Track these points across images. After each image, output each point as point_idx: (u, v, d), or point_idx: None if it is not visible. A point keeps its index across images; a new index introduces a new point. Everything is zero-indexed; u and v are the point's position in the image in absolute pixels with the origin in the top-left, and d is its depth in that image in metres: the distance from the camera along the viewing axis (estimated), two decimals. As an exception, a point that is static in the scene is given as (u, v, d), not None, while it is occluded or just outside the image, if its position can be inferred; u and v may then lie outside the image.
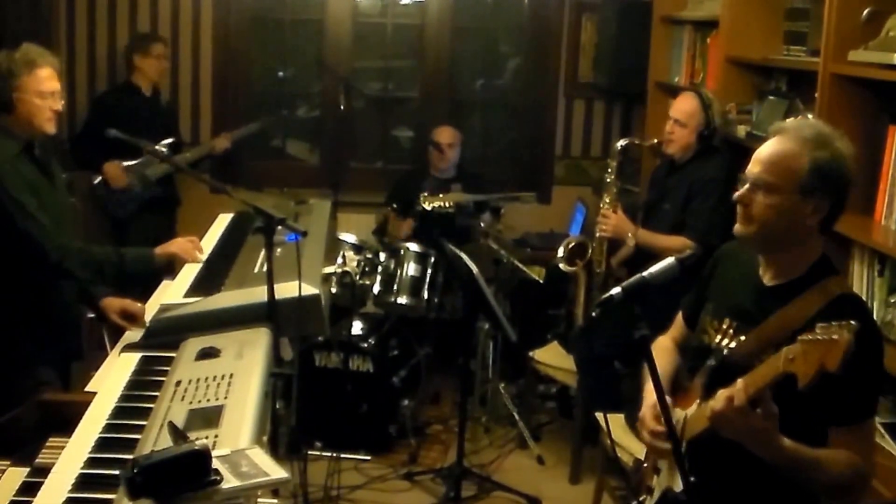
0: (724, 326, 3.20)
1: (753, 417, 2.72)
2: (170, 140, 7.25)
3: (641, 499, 3.48)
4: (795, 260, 3.08)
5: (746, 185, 3.07)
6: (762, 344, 2.97)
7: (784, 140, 3.03)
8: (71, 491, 2.66)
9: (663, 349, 3.59)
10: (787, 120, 3.26)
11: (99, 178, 7.16)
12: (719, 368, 3.12)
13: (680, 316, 3.63)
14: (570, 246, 6.10)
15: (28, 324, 4.41)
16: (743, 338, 3.10)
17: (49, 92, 4.39)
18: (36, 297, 4.42)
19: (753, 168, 3.06)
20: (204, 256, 4.68)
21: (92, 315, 4.65)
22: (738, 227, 3.12)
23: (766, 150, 3.06)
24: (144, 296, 4.56)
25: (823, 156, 2.97)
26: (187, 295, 4.25)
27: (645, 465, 3.50)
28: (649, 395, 3.37)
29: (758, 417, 2.71)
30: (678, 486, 3.13)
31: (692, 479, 3.04)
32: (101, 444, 2.94)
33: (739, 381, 2.77)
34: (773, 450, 2.80)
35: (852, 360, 2.51)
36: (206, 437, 2.72)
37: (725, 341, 3.17)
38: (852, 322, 2.51)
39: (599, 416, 5.18)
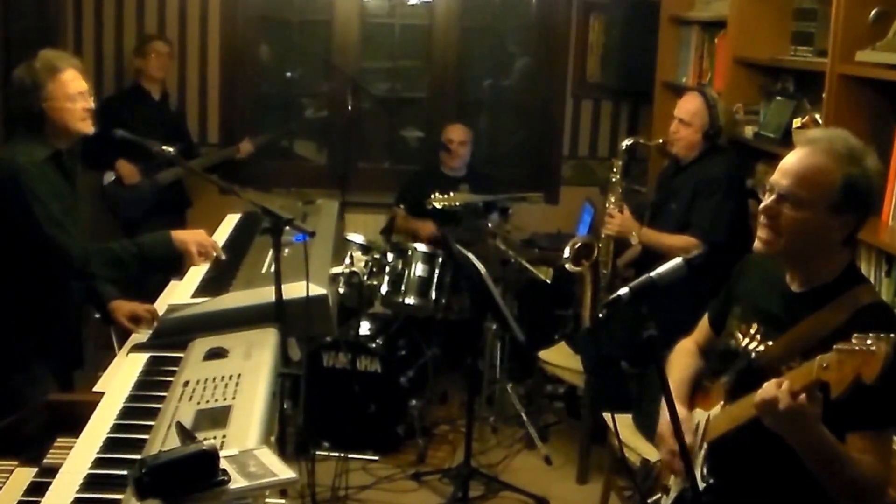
0: (752, 331, 3.19)
1: (800, 403, 2.66)
2: (180, 145, 7.24)
3: (657, 497, 3.48)
4: (821, 268, 3.05)
5: (773, 197, 3.02)
6: (790, 350, 2.95)
7: (815, 154, 2.98)
8: (79, 491, 2.66)
9: (685, 351, 3.58)
10: (816, 130, 3.20)
11: (112, 177, 7.18)
12: (745, 372, 3.10)
13: (705, 320, 3.60)
14: (576, 246, 6.10)
15: (27, 325, 4.41)
16: (771, 343, 3.09)
17: (77, 93, 4.35)
18: (39, 299, 4.42)
19: (782, 180, 3.00)
20: (214, 256, 4.67)
21: (98, 316, 4.64)
22: (758, 244, 3.08)
23: (796, 163, 3.00)
24: (153, 296, 4.57)
25: (855, 173, 2.94)
26: (195, 295, 4.25)
27: (659, 463, 3.49)
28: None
29: (803, 403, 2.67)
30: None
31: (711, 481, 3.03)
32: (109, 445, 2.95)
33: (772, 382, 2.74)
34: (812, 436, 2.74)
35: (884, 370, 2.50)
36: (214, 438, 2.72)
37: (753, 345, 3.15)
38: (892, 335, 2.47)
39: (607, 416, 5.18)
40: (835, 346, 2.56)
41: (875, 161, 3.02)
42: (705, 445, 3.18)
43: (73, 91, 4.33)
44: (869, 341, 2.49)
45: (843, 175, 2.93)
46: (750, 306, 3.29)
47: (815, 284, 3.07)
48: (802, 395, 2.64)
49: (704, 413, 3.25)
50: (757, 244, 3.10)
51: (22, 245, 4.26)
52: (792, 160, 3.03)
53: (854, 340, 2.52)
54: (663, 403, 3.41)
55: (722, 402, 3.18)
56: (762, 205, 3.06)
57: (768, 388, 2.71)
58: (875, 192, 3.03)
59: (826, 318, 2.96)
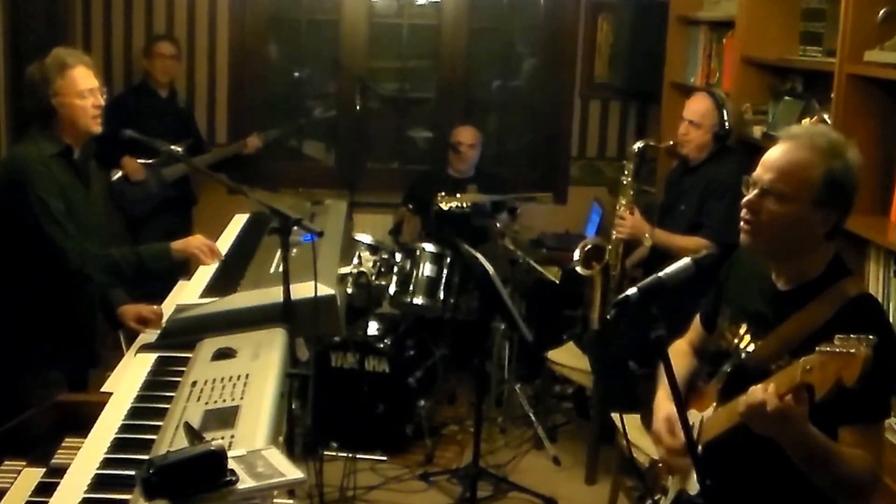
0: (742, 332, 3.19)
1: (787, 404, 2.65)
2: (189, 141, 7.26)
3: (656, 498, 3.48)
4: (806, 264, 3.06)
5: (755, 191, 3.04)
6: (778, 349, 2.96)
7: (797, 148, 3.00)
8: (87, 491, 2.66)
9: (679, 352, 3.57)
10: (797, 125, 3.23)
11: (118, 175, 7.18)
12: (735, 373, 3.11)
13: (697, 320, 3.60)
14: (586, 249, 6.08)
15: (42, 325, 4.43)
16: (760, 342, 3.09)
17: (87, 90, 4.37)
18: (55, 299, 4.43)
19: (764, 175, 3.02)
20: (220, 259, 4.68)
21: (107, 320, 4.64)
22: (743, 238, 3.09)
23: (778, 158, 3.02)
24: (161, 296, 4.57)
25: (837, 167, 2.95)
26: (203, 295, 4.26)
27: (660, 465, 3.49)
28: (661, 405, 3.37)
29: (790, 404, 2.66)
30: (692, 488, 3.13)
31: (707, 482, 3.03)
32: (117, 445, 2.95)
33: (758, 386, 2.74)
34: (800, 435, 2.73)
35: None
36: (222, 438, 2.73)
37: (743, 345, 3.16)
38: (871, 336, 2.48)
39: (615, 416, 5.18)
40: (817, 348, 2.57)
41: (856, 155, 3.02)
42: (700, 448, 3.18)
43: (82, 87, 4.36)
44: (850, 343, 2.50)
45: (826, 169, 2.95)
46: (738, 307, 3.29)
47: (800, 281, 3.07)
48: (789, 396, 2.64)
49: (698, 414, 3.25)
50: (742, 237, 3.11)
51: (31, 243, 4.28)
52: (774, 155, 3.05)
53: (836, 341, 2.53)
54: (657, 402, 3.43)
55: (714, 404, 3.18)
56: (745, 199, 3.07)
57: (754, 393, 2.71)
58: (856, 185, 3.03)
59: (812, 314, 2.97)
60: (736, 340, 3.20)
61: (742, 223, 3.08)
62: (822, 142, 2.99)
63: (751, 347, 3.12)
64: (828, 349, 2.53)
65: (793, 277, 3.09)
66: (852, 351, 2.48)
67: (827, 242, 3.07)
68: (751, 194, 3.05)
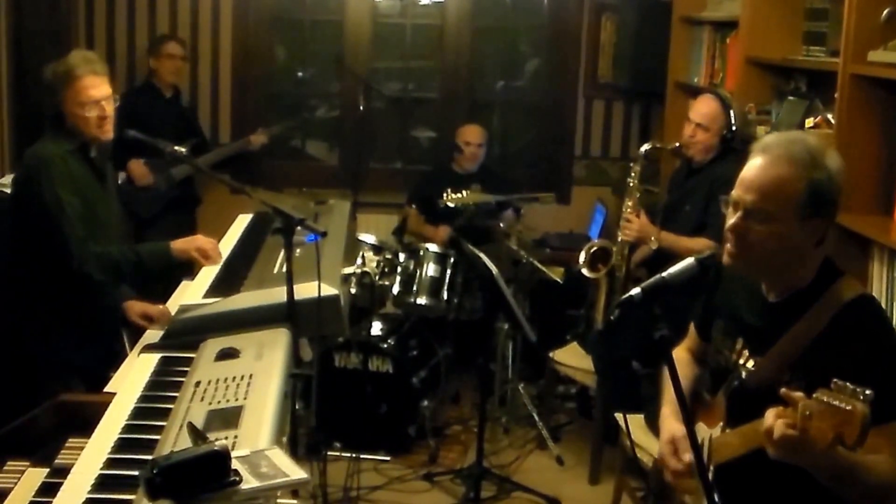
0: (738, 347, 3.15)
1: (793, 435, 2.53)
2: (193, 141, 7.26)
3: None
4: (796, 274, 3.00)
5: (739, 213, 2.95)
6: (779, 365, 2.90)
7: (776, 163, 2.91)
8: (90, 492, 2.67)
9: (681, 362, 3.47)
10: (770, 135, 3.15)
11: (124, 177, 7.19)
12: (740, 393, 3.07)
13: (692, 327, 3.57)
14: (592, 251, 6.07)
15: (62, 321, 4.46)
16: (758, 358, 3.05)
17: (91, 101, 4.42)
18: (74, 295, 4.46)
19: (745, 195, 2.93)
20: (222, 259, 4.69)
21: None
22: (727, 259, 3.01)
23: (757, 176, 2.93)
24: (165, 296, 4.58)
25: (819, 178, 2.88)
26: (207, 295, 4.26)
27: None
28: (666, 424, 3.33)
29: (796, 435, 2.58)
30: None
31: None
32: (121, 445, 2.96)
33: (772, 411, 2.63)
34: (821, 460, 2.60)
35: (876, 362, 2.47)
36: (226, 438, 2.73)
37: (741, 361, 3.12)
38: (868, 392, 2.37)
39: (619, 416, 5.18)
40: (814, 395, 2.45)
41: (836, 159, 2.95)
42: (711, 468, 3.15)
43: (85, 99, 4.41)
44: (846, 397, 2.38)
45: (808, 182, 2.87)
46: (732, 320, 3.24)
47: (791, 291, 3.02)
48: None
49: (707, 430, 3.22)
50: (726, 258, 3.03)
51: (48, 241, 4.33)
52: (752, 173, 2.95)
53: (834, 387, 2.41)
54: (661, 420, 3.39)
55: (721, 424, 3.14)
56: (729, 223, 2.98)
57: (766, 421, 2.58)
58: (840, 190, 2.95)
59: (808, 325, 2.92)
60: (734, 357, 3.15)
61: (727, 245, 3.01)
62: (800, 152, 2.91)
63: (750, 363, 3.07)
64: (825, 399, 2.42)
65: (783, 288, 3.04)
66: (849, 408, 2.37)
67: (816, 250, 3.01)
68: (734, 217, 2.96)
